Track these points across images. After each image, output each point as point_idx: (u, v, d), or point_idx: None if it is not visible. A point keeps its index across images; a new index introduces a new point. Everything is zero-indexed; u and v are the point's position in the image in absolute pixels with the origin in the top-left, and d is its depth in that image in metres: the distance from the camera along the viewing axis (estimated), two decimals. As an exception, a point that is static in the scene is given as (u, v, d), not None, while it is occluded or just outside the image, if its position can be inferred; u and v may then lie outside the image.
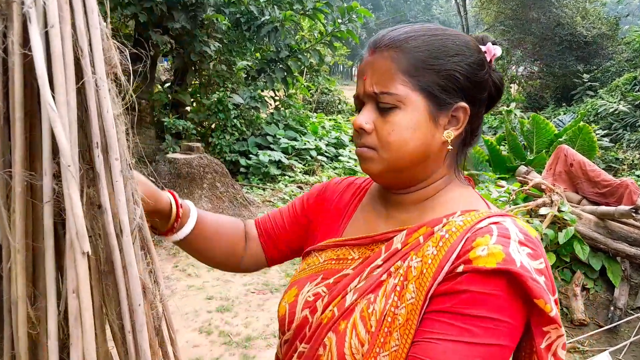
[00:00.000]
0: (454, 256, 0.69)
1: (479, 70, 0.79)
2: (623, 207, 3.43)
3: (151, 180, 0.91)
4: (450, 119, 0.79)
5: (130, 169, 0.62)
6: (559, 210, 3.60)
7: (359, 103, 0.83)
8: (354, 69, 71.23)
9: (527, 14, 15.54)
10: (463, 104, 0.78)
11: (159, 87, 8.85)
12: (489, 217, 0.73)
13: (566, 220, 3.53)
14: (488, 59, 0.82)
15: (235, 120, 7.37)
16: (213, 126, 7.87)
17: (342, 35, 8.98)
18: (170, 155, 5.29)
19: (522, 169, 4.42)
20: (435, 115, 0.77)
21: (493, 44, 0.84)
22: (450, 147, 0.79)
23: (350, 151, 8.86)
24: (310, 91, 12.70)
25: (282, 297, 0.92)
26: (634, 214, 3.38)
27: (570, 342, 3.27)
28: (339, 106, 14.59)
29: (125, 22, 8.92)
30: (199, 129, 7.92)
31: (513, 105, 13.33)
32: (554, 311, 0.65)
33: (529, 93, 18.36)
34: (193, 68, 8.49)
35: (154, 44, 7.42)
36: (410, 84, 0.76)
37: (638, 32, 15.25)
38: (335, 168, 7.79)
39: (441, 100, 0.77)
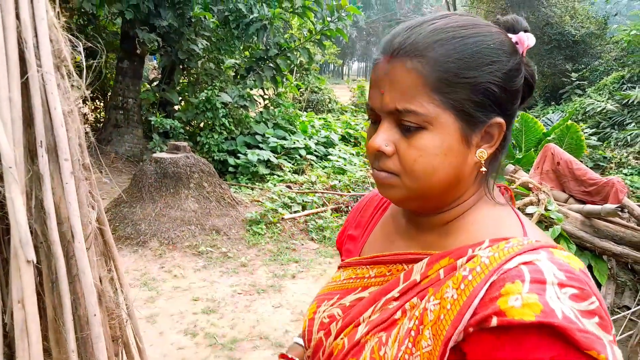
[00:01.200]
0: (475, 304, 0.58)
1: (516, 77, 0.68)
2: (609, 206, 3.44)
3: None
4: (483, 136, 0.68)
5: (89, 171, 0.59)
6: (546, 209, 3.60)
7: (374, 115, 0.71)
8: (344, 67, 71.22)
9: (517, 13, 15.56)
10: (499, 119, 0.67)
11: (147, 85, 8.77)
12: (519, 254, 0.60)
13: (553, 219, 3.53)
14: (520, 51, 0.70)
15: (223, 119, 7.32)
16: (201, 125, 7.81)
17: (331, 34, 8.95)
18: (157, 154, 5.23)
19: (510, 167, 4.42)
20: (468, 135, 0.67)
21: (525, 32, 0.71)
22: (484, 168, 0.69)
23: (340, 150, 8.84)
24: (300, 90, 12.66)
25: (308, 308, 0.89)
26: (619, 213, 3.39)
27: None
28: (329, 105, 14.56)
29: (112, 19, 8.83)
30: (187, 128, 7.85)
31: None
32: (610, 358, 0.53)
33: (518, 92, 18.40)
34: (181, 66, 8.43)
35: (141, 42, 7.34)
36: (440, 102, 0.64)
37: (626, 31, 15.34)
38: (324, 167, 7.75)
39: (475, 118, 0.66)
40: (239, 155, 7.22)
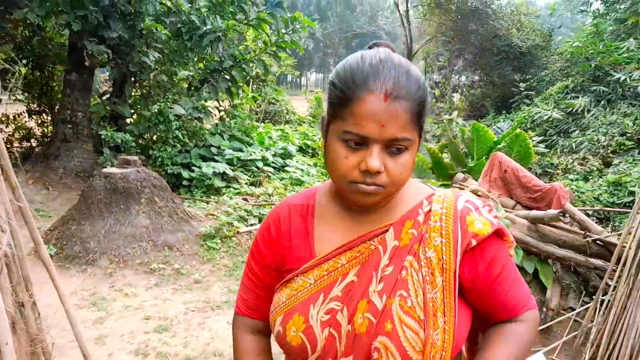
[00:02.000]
0: (460, 238, 0.89)
1: None
2: (552, 211, 3.57)
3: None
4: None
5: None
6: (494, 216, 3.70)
7: (358, 140, 0.85)
8: (303, 78, 71.54)
9: (467, 26, 16.11)
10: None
11: (98, 98, 8.53)
12: (457, 199, 0.94)
13: (501, 225, 3.62)
14: None
15: (177, 132, 7.19)
16: (154, 138, 7.65)
17: (286, 46, 8.98)
18: (106, 169, 5.07)
19: (460, 176, 4.53)
20: (418, 147, 0.91)
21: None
22: None
23: (297, 161, 8.83)
24: (257, 101, 12.62)
25: (282, 329, 0.93)
26: (561, 218, 3.53)
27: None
28: (287, 116, 14.57)
29: (59, 30, 8.55)
30: (139, 142, 7.67)
31: (455, 114, 13.74)
32: (512, 238, 0.96)
33: (471, 102, 19.00)
34: (132, 79, 8.24)
35: (90, 54, 7.14)
36: (416, 129, 0.87)
37: (569, 42, 16.11)
38: (282, 179, 7.73)
39: (424, 132, 0.92)
40: (194, 168, 7.10)
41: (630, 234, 3.01)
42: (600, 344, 3.02)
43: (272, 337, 1.05)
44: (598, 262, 3.46)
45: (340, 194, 0.97)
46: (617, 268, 3.06)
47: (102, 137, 6.92)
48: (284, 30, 8.86)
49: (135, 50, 7.51)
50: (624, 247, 3.04)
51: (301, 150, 10.65)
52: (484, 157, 8.91)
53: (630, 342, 2.92)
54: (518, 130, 9.19)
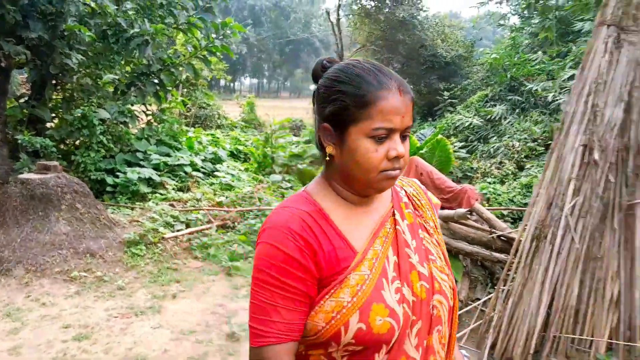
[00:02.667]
0: (434, 208, 1.21)
1: None
2: (460, 210, 3.87)
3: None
4: None
5: None
6: (410, 216, 3.96)
7: (387, 134, 0.98)
8: (236, 83, 70.89)
9: (395, 36, 16.73)
10: None
11: (14, 101, 8.10)
12: (415, 182, 1.24)
13: (415, 224, 3.88)
14: None
15: (101, 137, 6.99)
16: (77, 143, 7.38)
17: (216, 50, 8.96)
18: (23, 175, 4.88)
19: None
20: None
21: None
22: None
23: (228, 166, 8.82)
24: (187, 106, 12.45)
25: (366, 325, 0.96)
26: (469, 216, 3.83)
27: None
28: (219, 121, 14.46)
29: (-29, 29, 8.05)
30: (60, 147, 7.37)
31: (384, 120, 14.18)
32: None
33: (400, 109, 19.65)
34: (54, 81, 7.91)
35: (6, 55, 6.79)
36: None
37: (489, 54, 17.14)
38: (212, 184, 7.70)
39: None
40: (118, 174, 6.93)
41: (525, 229, 3.34)
42: (501, 330, 3.31)
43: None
44: (500, 255, 3.78)
45: (359, 186, 1.05)
46: (515, 260, 3.38)
47: (19, 142, 6.61)
48: (214, 35, 8.84)
49: (56, 52, 7.23)
50: (521, 240, 3.36)
51: (233, 155, 10.63)
52: (408, 162, 9.33)
53: (526, 326, 3.24)
54: (439, 136, 9.71)
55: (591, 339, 3.26)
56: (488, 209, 4.38)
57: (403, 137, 1.00)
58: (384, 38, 17.20)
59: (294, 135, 15.55)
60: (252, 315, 1.01)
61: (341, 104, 0.99)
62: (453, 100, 17.37)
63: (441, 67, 17.60)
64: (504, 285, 3.43)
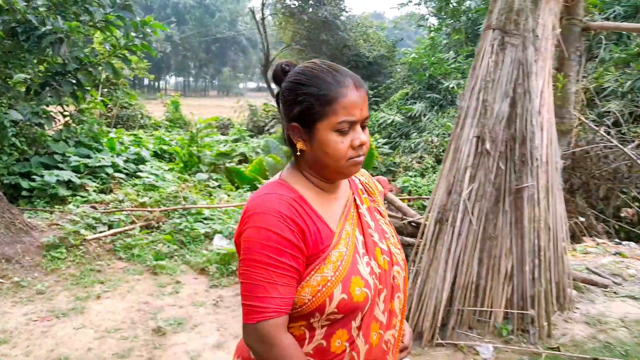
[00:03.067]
0: (381, 194, 1.41)
1: None
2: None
3: None
4: None
5: None
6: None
7: (349, 126, 1.12)
8: (162, 82, 68.77)
9: (319, 35, 17.08)
10: None
11: None
12: (363, 171, 1.39)
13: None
14: None
15: (13, 139, 6.68)
16: (-14, 146, 6.99)
17: (136, 49, 8.77)
18: None
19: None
20: None
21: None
22: None
23: (151, 167, 8.69)
24: (108, 106, 12.05)
25: (348, 295, 1.12)
26: (382, 205, 4.12)
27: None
28: (142, 121, 14.10)
29: None
30: (-33, 150, 6.96)
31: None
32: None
33: (327, 107, 20.04)
34: (-43, 81, 7.43)
35: None
36: None
37: (410, 54, 17.92)
38: (135, 185, 7.57)
39: None
40: (35, 177, 6.66)
41: (429, 214, 3.67)
42: (412, 307, 3.62)
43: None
44: (411, 239, 4.11)
45: (329, 174, 1.19)
46: (422, 243, 3.70)
47: None
48: (134, 34, 8.66)
49: (-42, 50, 6.81)
50: (426, 225, 3.69)
51: (157, 155, 10.46)
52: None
53: (433, 302, 3.56)
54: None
55: (490, 310, 3.65)
56: (403, 199, 4.71)
57: (363, 127, 1.16)
58: (308, 38, 17.52)
59: (222, 134, 15.47)
60: (248, 294, 1.09)
61: (307, 105, 1.12)
62: (377, 99, 17.99)
63: (364, 66, 18.18)
64: (413, 266, 3.74)
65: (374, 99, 17.93)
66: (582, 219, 7.18)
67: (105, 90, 13.06)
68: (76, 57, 8.31)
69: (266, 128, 16.36)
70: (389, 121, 14.21)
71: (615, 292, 4.34)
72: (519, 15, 3.39)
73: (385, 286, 1.22)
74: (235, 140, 13.17)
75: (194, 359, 3.36)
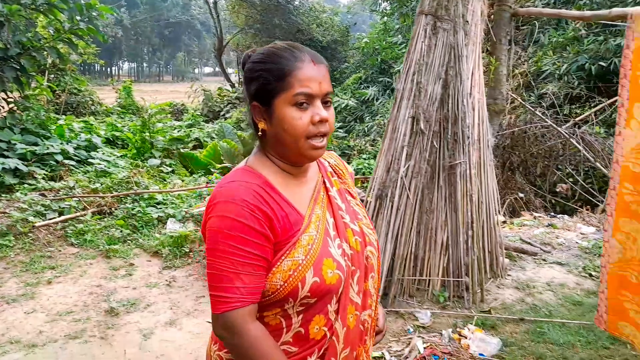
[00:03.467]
0: (351, 175, 1.43)
1: None
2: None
3: None
4: None
5: None
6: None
7: (307, 100, 1.10)
8: (115, 68, 66.61)
9: (272, 20, 17.02)
10: None
11: None
12: (334, 154, 1.43)
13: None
14: None
15: (-46, 127, 6.47)
16: None
17: (83, 33, 8.57)
18: None
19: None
20: None
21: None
22: None
23: (103, 153, 8.57)
24: (56, 92, 11.71)
25: (320, 278, 1.10)
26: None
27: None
28: (93, 107, 13.76)
29: None
30: None
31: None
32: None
33: (283, 91, 20.08)
34: None
35: None
36: (331, 87, 1.17)
37: (363, 39, 18.11)
38: (86, 172, 7.48)
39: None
40: (-21, 165, 6.48)
41: (371, 191, 3.88)
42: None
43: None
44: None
45: (292, 156, 1.16)
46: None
47: None
48: (78, 17, 8.45)
49: None
50: (369, 201, 3.91)
51: (109, 142, 10.29)
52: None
53: (374, 273, 3.79)
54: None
55: (428, 278, 3.92)
56: (357, 180, 4.89)
57: (325, 103, 1.13)
58: (262, 22, 17.44)
59: (176, 119, 15.28)
60: (213, 284, 1.07)
61: (264, 80, 1.10)
62: (332, 84, 18.11)
63: (318, 51, 17.85)
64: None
65: (329, 83, 18.08)
66: (522, 195, 7.62)
67: (53, 76, 12.66)
68: (18, 41, 8.08)
69: (222, 113, 16.25)
70: (343, 105, 14.41)
71: (544, 260, 4.72)
72: (449, 1, 3.61)
73: (359, 267, 1.21)
74: (190, 126, 13.07)
75: (146, 336, 3.47)
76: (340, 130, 13.52)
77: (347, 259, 1.17)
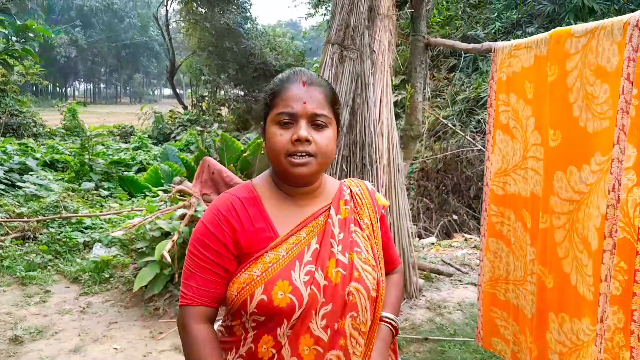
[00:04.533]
0: (376, 209, 1.32)
1: None
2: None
3: None
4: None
5: None
6: (195, 210, 4.35)
7: (289, 119, 1.12)
8: (69, 89, 65.05)
9: (223, 44, 17.13)
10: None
11: None
12: (363, 183, 1.37)
13: (199, 218, 4.30)
14: None
15: None
16: None
17: (19, 54, 8.42)
18: None
19: (177, 179, 5.12)
20: (336, 133, 1.21)
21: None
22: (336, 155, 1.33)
23: (37, 176, 8.34)
24: (-7, 113, 11.38)
25: (267, 297, 1.09)
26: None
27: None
28: (34, 129, 13.40)
29: None
30: None
31: (215, 126, 14.51)
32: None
33: (238, 115, 20.15)
34: None
35: None
36: (332, 111, 1.17)
37: (314, 64, 18.45)
38: (16, 196, 7.26)
39: (339, 124, 1.23)
40: None
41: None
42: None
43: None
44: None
45: (279, 174, 1.18)
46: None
47: None
48: (14, 38, 8.30)
49: None
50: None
51: (48, 165, 10.04)
52: (232, 164, 9.78)
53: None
54: (260, 139, 10.33)
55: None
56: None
57: (317, 126, 1.13)
58: (215, 45, 17.51)
59: (124, 142, 15.05)
60: (182, 279, 1.19)
61: (263, 101, 1.20)
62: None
63: (272, 74, 18.40)
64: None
65: (282, 106, 18.23)
66: (456, 217, 7.86)
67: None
68: (-51, 61, 7.85)
69: (172, 135, 16.12)
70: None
71: (460, 280, 4.87)
72: (355, 31, 3.77)
73: (332, 301, 1.14)
74: (136, 148, 12.89)
75: (46, 365, 3.38)
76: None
77: (316, 288, 1.13)
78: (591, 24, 1.71)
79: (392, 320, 1.31)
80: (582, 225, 1.70)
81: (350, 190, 1.31)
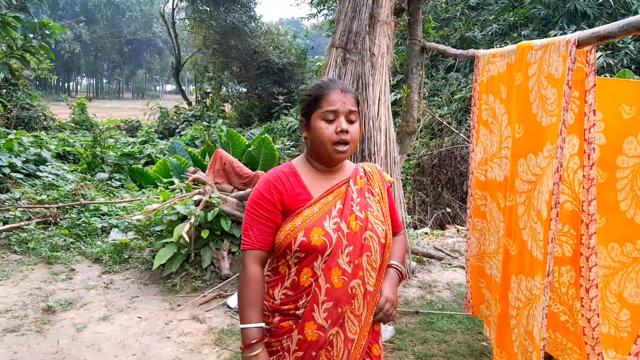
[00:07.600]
0: (384, 182, 1.74)
1: None
2: (250, 190, 4.79)
3: None
4: None
5: None
6: (210, 197, 4.78)
7: (333, 117, 1.52)
8: (72, 83, 65.41)
9: (228, 41, 17.52)
10: None
11: None
12: (374, 165, 1.77)
13: (214, 203, 4.72)
14: None
15: None
16: None
17: (35, 51, 8.83)
18: None
19: (191, 169, 5.54)
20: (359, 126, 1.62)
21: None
22: None
23: (52, 167, 8.76)
24: (7, 107, 11.79)
25: (307, 238, 1.50)
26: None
27: (217, 292, 4.44)
28: (45, 122, 13.82)
29: None
30: None
31: (220, 122, 14.91)
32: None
33: (241, 111, 20.55)
34: None
35: None
36: (357, 110, 1.59)
37: (316, 63, 18.83)
38: (34, 185, 7.68)
39: (360, 117, 1.75)
40: None
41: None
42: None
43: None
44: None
45: (322, 157, 1.57)
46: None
47: None
48: (31, 35, 8.71)
49: None
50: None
51: (61, 157, 10.46)
52: (237, 158, 10.19)
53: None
54: (265, 135, 10.74)
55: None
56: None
57: (350, 122, 1.54)
58: (219, 42, 17.90)
59: (131, 136, 15.48)
60: (242, 231, 1.58)
61: (305, 103, 1.59)
62: (288, 104, 18.71)
63: (274, 72, 18.84)
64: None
65: (284, 104, 18.64)
66: (449, 210, 8.29)
67: (5, 91, 12.72)
68: (-31, 56, 8.25)
69: (177, 130, 16.53)
70: (295, 126, 14.96)
71: (449, 264, 5.31)
72: (357, 36, 4.19)
73: (353, 243, 1.54)
74: (143, 142, 13.32)
75: (79, 329, 3.80)
76: (293, 148, 14.04)
77: (341, 234, 1.53)
78: (546, 40, 2.14)
79: (398, 266, 1.73)
80: (537, 201, 2.12)
81: (364, 170, 1.71)
